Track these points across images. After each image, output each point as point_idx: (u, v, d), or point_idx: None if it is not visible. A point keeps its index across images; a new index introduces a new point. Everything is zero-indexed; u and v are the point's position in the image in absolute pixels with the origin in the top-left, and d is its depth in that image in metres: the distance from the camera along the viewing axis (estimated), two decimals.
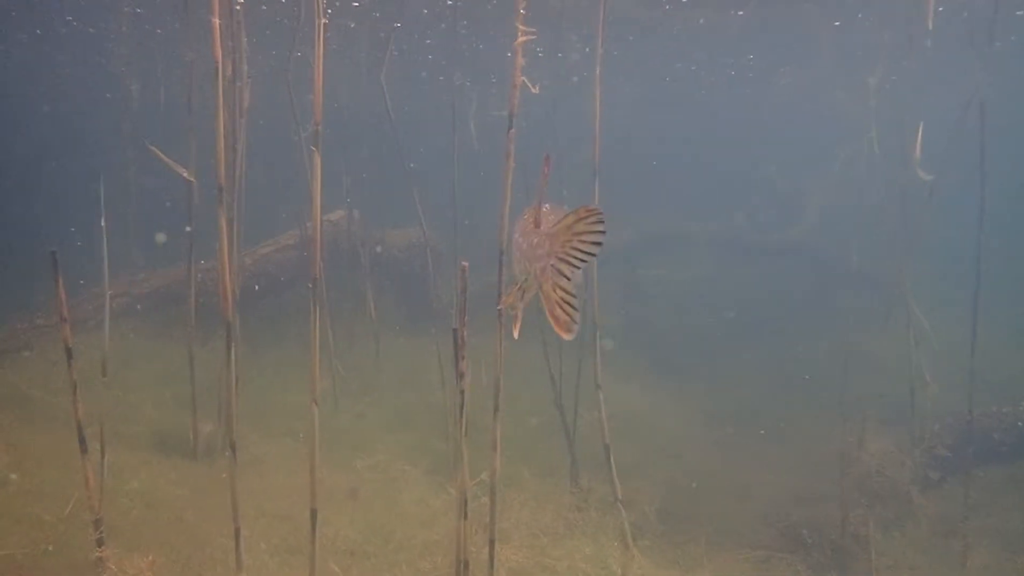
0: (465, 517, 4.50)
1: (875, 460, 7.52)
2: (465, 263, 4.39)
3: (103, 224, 4.85)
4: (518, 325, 2.70)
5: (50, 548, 4.54)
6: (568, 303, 2.24)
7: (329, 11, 10.82)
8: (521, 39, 4.18)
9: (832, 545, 6.74)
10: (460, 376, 4.55)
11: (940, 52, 10.25)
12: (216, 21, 4.06)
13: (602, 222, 2.15)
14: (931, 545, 6.72)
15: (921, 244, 7.30)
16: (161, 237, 9.06)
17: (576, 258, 2.20)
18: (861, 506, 7.15)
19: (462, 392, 4.48)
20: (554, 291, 2.26)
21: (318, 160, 4.32)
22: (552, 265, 2.24)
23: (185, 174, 5.26)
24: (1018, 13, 11.43)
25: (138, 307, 8.50)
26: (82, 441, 4.19)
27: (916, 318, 7.96)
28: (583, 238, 2.18)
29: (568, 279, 2.25)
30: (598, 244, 2.17)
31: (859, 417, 7.55)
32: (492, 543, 4.62)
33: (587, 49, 13.30)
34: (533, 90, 4.26)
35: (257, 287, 9.12)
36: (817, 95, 17.81)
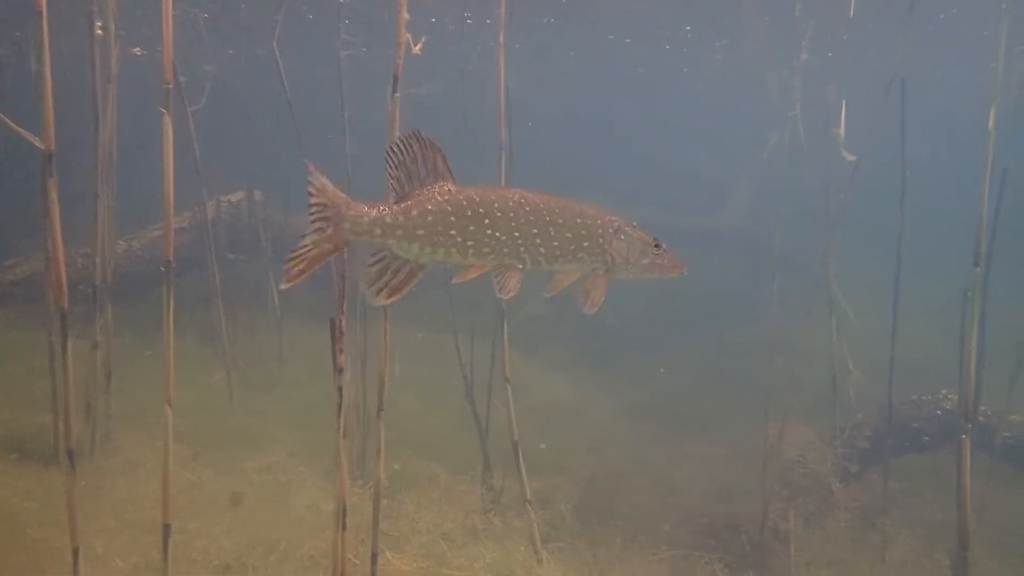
0: (343, 528, 4.01)
1: (797, 452, 7.33)
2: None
3: None
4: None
5: None
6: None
7: None
8: None
9: (752, 541, 6.50)
10: (338, 372, 4.03)
11: (865, 32, 10.11)
12: None
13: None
14: (851, 538, 6.53)
15: (843, 228, 7.08)
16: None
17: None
18: (783, 500, 6.94)
19: (340, 389, 3.97)
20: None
21: (168, 124, 3.78)
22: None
23: (37, 143, 4.64)
24: None
25: (11, 294, 7.73)
26: None
27: (839, 305, 7.78)
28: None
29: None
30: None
31: (782, 408, 7.34)
32: (375, 557, 4.15)
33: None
34: (415, 50, 3.78)
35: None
36: (749, 75, 17.72)
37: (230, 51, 14.11)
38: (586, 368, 10.93)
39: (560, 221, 2.75)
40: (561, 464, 7.95)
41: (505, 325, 5.95)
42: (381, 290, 2.67)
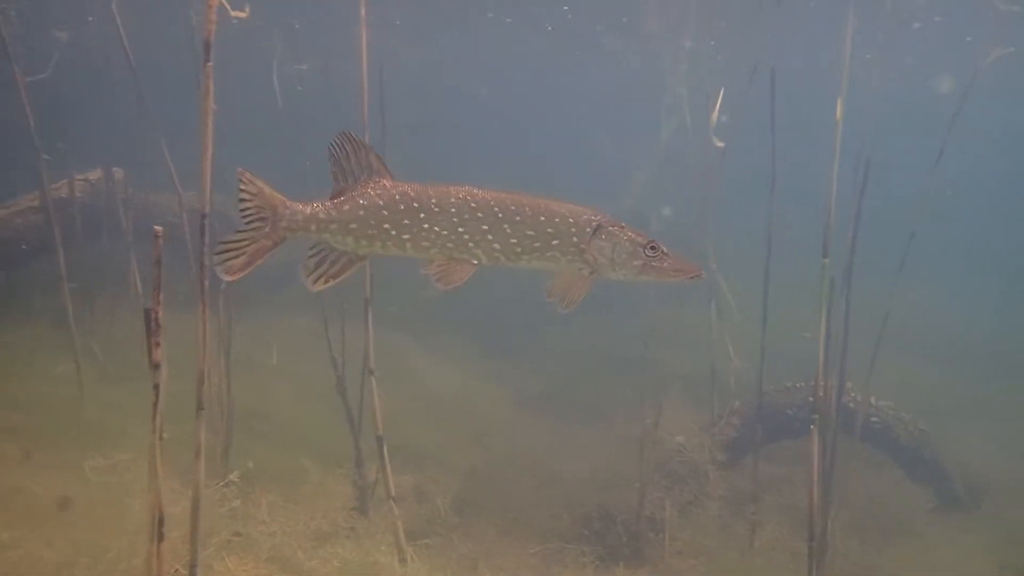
0: (160, 539, 3.65)
1: (677, 440, 7.33)
2: (159, 227, 3.53)
3: None
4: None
5: None
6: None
7: None
8: None
9: (628, 531, 6.45)
10: (154, 367, 3.65)
11: (739, 20, 10.17)
12: None
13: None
14: (723, 526, 6.58)
15: (717, 213, 7.08)
16: None
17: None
18: (661, 488, 6.92)
19: (156, 387, 3.60)
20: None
21: None
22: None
23: None
24: None
25: None
26: None
27: (722, 291, 7.81)
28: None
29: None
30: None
31: (661, 396, 7.31)
32: (193, 569, 3.80)
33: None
34: (234, 14, 3.42)
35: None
36: (648, 60, 17.79)
37: (90, 18, 13.05)
38: (479, 354, 10.74)
39: (518, 219, 2.76)
40: (442, 456, 7.74)
41: (370, 313, 5.63)
42: (319, 278, 2.81)
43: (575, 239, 2.81)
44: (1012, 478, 7.69)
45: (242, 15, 3.41)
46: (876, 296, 5.86)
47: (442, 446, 7.98)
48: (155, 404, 3.71)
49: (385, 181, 2.78)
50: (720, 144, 5.81)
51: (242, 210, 2.78)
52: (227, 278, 2.78)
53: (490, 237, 2.77)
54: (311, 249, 2.82)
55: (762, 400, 6.61)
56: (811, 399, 7.12)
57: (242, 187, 2.76)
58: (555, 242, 2.81)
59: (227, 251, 2.76)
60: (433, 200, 2.74)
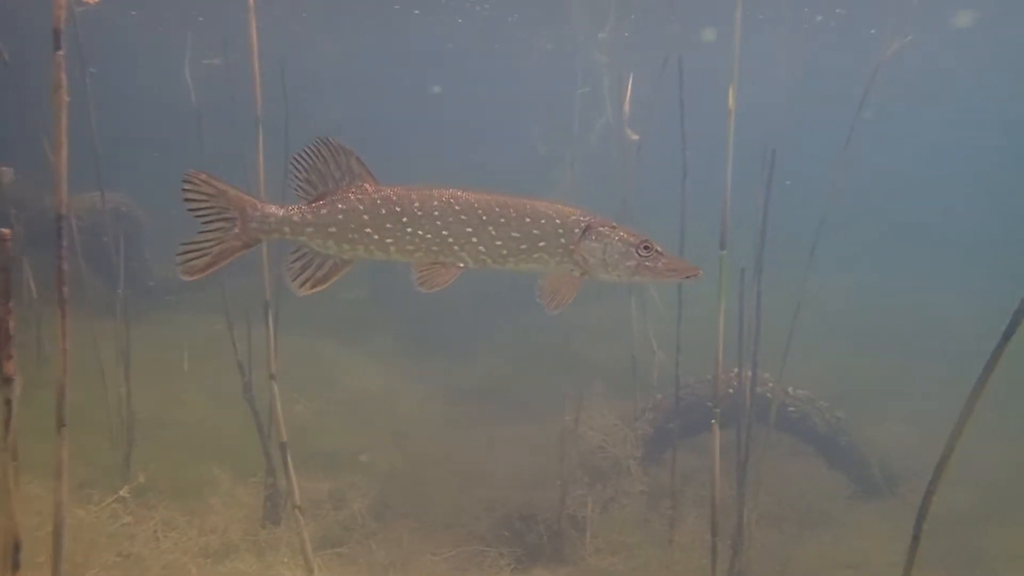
0: (16, 567, 3.37)
1: (598, 436, 7.25)
2: (6, 231, 3.25)
3: None
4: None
5: None
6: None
7: None
8: None
9: (549, 530, 6.34)
10: (5, 382, 3.37)
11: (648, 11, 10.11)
12: None
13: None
14: (644, 521, 6.53)
15: (637, 206, 7.02)
16: None
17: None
18: (584, 485, 6.84)
19: (8, 403, 3.31)
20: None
21: None
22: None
23: None
24: None
25: None
26: None
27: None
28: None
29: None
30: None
31: (586, 391, 7.24)
32: None
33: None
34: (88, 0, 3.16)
35: None
36: (574, 53, 17.76)
37: None
38: (405, 354, 10.54)
39: (502, 220, 2.74)
40: (363, 460, 7.53)
41: (271, 315, 5.38)
42: (305, 282, 2.77)
43: (563, 240, 2.77)
44: (929, 463, 7.80)
45: (91, 1, 3.17)
46: (811, 284, 5.86)
47: (364, 449, 7.76)
48: (7, 421, 3.43)
49: (367, 185, 2.76)
50: (635, 137, 5.73)
51: (197, 211, 2.73)
52: (186, 278, 2.73)
53: (475, 239, 2.74)
54: (293, 253, 2.79)
55: (681, 393, 6.57)
56: (730, 391, 7.13)
57: (190, 188, 2.70)
58: (542, 244, 2.77)
59: (190, 251, 2.72)
60: (416, 203, 2.72)
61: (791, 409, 7.06)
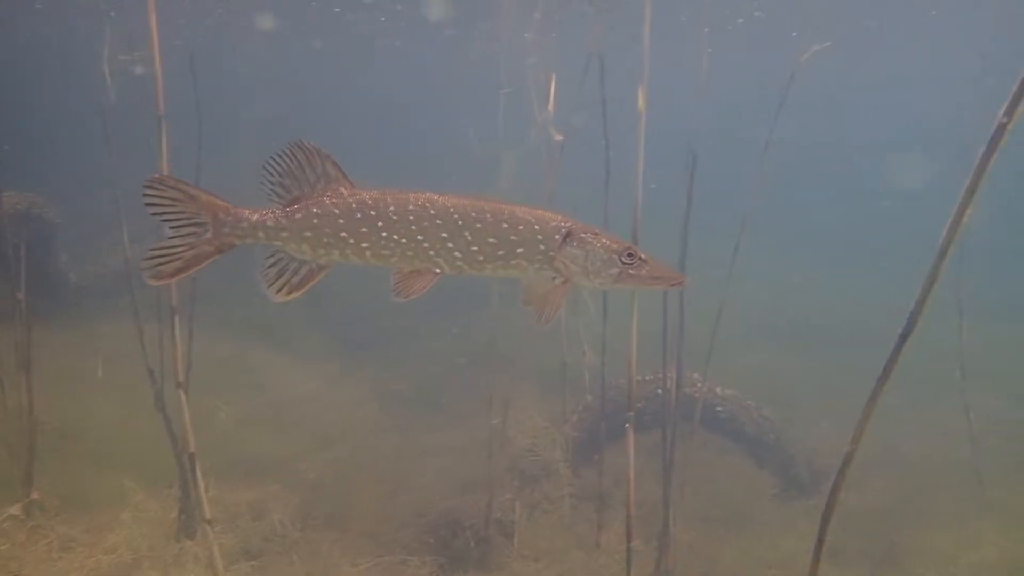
0: None
1: (528, 439, 7.18)
2: None
3: None
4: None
5: None
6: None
7: None
8: None
9: (476, 537, 6.23)
10: None
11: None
12: None
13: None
14: (571, 524, 6.47)
15: (564, 207, 6.94)
16: None
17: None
18: (512, 490, 6.75)
19: None
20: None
21: None
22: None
23: None
24: None
25: None
26: None
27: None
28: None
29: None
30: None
31: (514, 394, 7.14)
32: None
33: None
34: None
35: None
36: (512, 51, 17.71)
37: None
38: (337, 357, 10.29)
39: (479, 226, 2.67)
40: (288, 467, 7.31)
41: (177, 320, 5.14)
42: (281, 288, 2.69)
43: (542, 247, 2.70)
44: (854, 460, 7.95)
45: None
46: (747, 287, 5.86)
47: (288, 457, 7.54)
48: None
49: (343, 189, 2.70)
50: (559, 137, 5.66)
51: (163, 216, 2.62)
52: (154, 283, 2.65)
53: (450, 245, 2.67)
54: (269, 258, 2.73)
55: (610, 395, 6.54)
56: (659, 391, 7.13)
57: (152, 193, 2.60)
58: (520, 250, 2.70)
59: (158, 256, 2.63)
60: (391, 208, 2.66)
61: (719, 409, 7.10)
